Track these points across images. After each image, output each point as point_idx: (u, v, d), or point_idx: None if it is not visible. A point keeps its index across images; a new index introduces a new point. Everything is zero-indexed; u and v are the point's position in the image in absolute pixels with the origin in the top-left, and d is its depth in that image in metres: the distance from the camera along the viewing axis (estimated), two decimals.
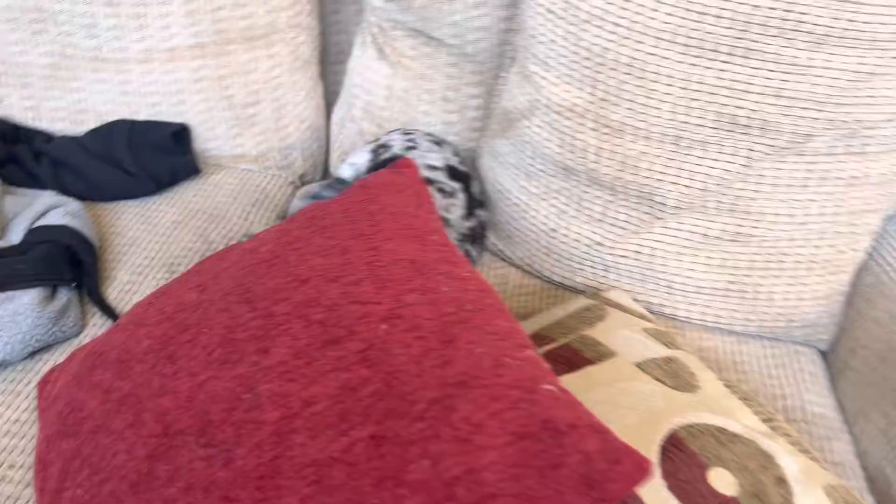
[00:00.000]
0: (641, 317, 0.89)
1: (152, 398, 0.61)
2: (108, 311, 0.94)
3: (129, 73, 1.17)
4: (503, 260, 1.09)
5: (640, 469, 0.50)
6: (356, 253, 0.66)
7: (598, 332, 0.82)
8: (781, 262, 0.92)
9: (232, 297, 0.67)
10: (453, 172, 1.04)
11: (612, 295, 0.94)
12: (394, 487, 0.50)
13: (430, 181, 1.01)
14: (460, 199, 1.02)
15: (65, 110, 1.20)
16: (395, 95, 1.17)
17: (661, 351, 0.79)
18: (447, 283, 0.66)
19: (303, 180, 1.32)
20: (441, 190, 1.01)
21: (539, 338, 0.85)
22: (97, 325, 0.93)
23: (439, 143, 1.09)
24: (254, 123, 1.23)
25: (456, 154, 1.09)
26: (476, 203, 1.05)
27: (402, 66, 1.15)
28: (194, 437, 0.57)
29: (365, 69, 1.20)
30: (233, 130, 1.22)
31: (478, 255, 1.06)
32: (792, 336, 0.96)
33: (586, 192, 0.97)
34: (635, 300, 0.97)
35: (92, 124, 1.20)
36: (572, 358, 0.78)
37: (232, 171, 1.24)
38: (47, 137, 1.19)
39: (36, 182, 1.13)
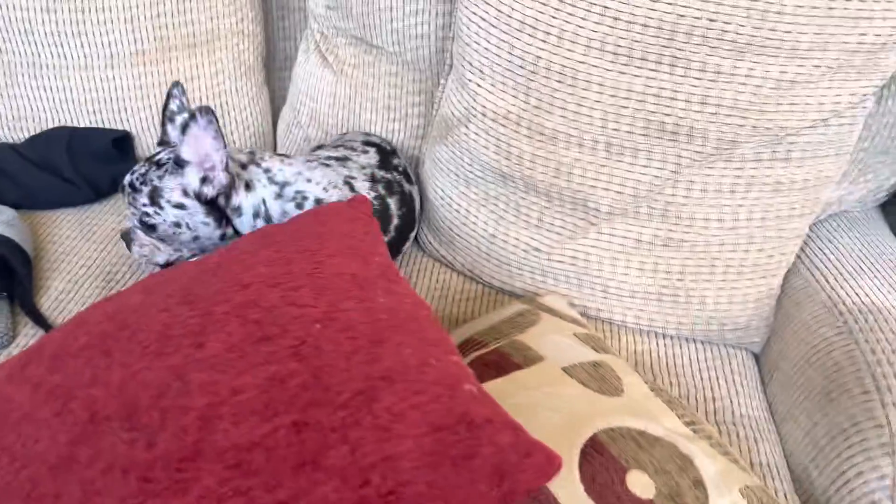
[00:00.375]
0: (574, 321, 0.90)
1: (82, 388, 0.61)
2: (41, 321, 0.93)
3: (68, 79, 1.16)
4: (446, 266, 1.09)
5: (550, 463, 0.52)
6: (299, 264, 0.67)
7: (529, 337, 0.83)
8: (713, 266, 0.94)
9: (174, 298, 0.67)
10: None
11: (548, 300, 0.95)
12: (311, 472, 0.51)
13: None
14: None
15: (2, 116, 1.18)
16: (340, 103, 1.17)
17: (589, 355, 0.80)
18: (384, 295, 0.67)
19: None
20: None
21: (472, 342, 0.85)
22: (28, 336, 0.92)
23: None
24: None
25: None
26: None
27: (345, 73, 1.16)
28: (119, 421, 0.57)
29: (309, 76, 1.20)
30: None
31: None
32: (725, 339, 0.98)
33: (523, 198, 0.98)
34: (572, 304, 0.98)
35: (31, 132, 1.19)
36: (501, 362, 0.78)
37: None
38: None
39: None
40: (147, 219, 0.88)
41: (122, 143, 1.18)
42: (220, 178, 0.86)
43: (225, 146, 0.85)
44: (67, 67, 1.15)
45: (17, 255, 0.97)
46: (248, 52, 1.21)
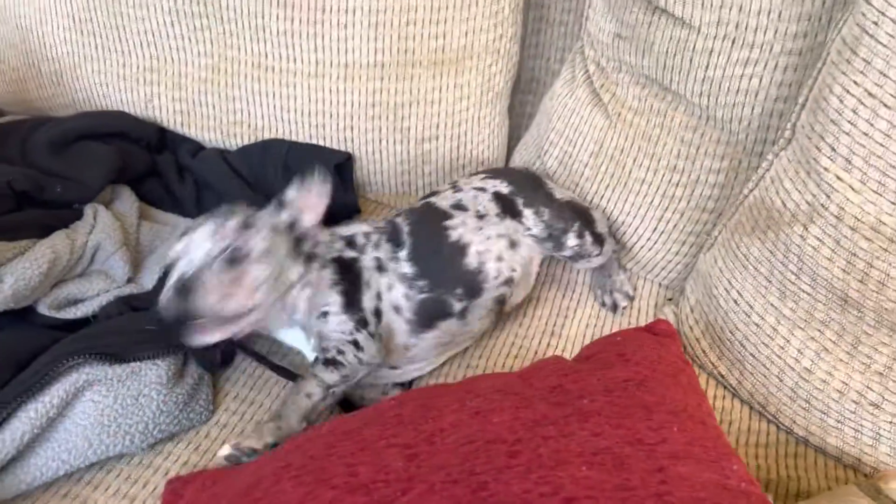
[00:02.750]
0: None
1: None
2: (283, 371, 0.80)
3: (294, 86, 1.00)
4: (723, 385, 0.85)
5: None
6: (636, 471, 0.47)
7: None
8: None
9: (458, 487, 0.48)
10: None
11: (894, 484, 0.70)
12: None
13: None
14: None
15: (217, 120, 1.05)
16: (607, 154, 0.94)
17: None
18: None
19: None
20: None
21: None
22: (229, 411, 0.77)
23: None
24: (426, 161, 1.03)
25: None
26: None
27: (623, 120, 0.93)
28: None
29: (571, 114, 0.98)
30: (401, 167, 1.03)
31: None
32: None
33: (868, 334, 0.72)
34: None
35: (245, 139, 1.05)
36: None
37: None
38: (195, 148, 1.04)
39: (176, 204, 0.98)
40: None
41: (340, 168, 1.01)
42: None
43: None
44: (296, 73, 0.99)
45: None
46: (499, 76, 1.01)
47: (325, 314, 0.74)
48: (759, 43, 0.80)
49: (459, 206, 0.83)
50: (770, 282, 0.78)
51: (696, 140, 0.88)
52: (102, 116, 1.01)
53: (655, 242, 0.94)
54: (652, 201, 0.92)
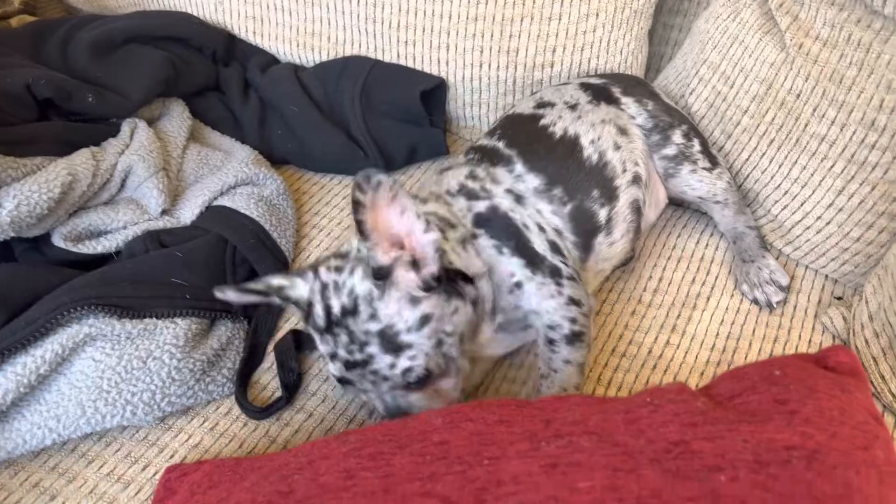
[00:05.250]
0: None
1: None
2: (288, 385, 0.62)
3: None
4: None
5: None
6: None
7: None
8: None
9: None
10: None
11: None
12: None
13: None
14: None
15: (294, 29, 0.88)
16: (777, 98, 0.71)
17: None
18: None
19: None
20: None
21: None
22: (258, 386, 0.63)
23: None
24: (537, 93, 0.83)
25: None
26: None
27: (804, 52, 0.69)
28: None
29: (732, 42, 0.75)
30: (504, 98, 0.84)
31: None
32: None
33: None
34: None
35: (324, 54, 0.88)
36: None
37: None
38: (266, 62, 0.89)
39: (236, 126, 0.84)
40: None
41: (430, 97, 0.83)
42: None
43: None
44: None
45: (268, 261, 0.68)
46: None
47: (516, 285, 0.60)
48: None
49: (543, 105, 0.71)
50: None
51: None
52: (162, 17, 0.87)
53: (829, 223, 0.71)
54: (833, 167, 0.68)
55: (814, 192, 0.71)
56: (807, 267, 0.75)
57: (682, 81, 0.81)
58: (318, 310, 0.53)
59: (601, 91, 0.73)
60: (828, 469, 0.36)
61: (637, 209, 0.70)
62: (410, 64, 0.84)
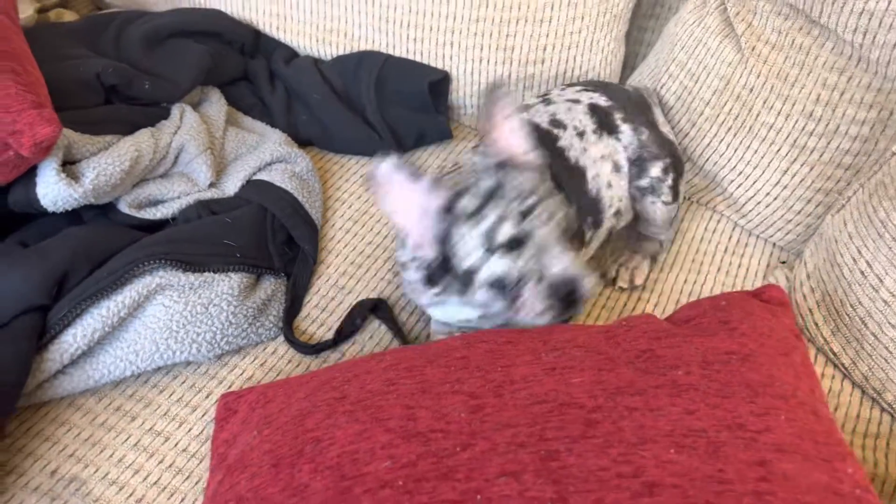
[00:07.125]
0: None
1: None
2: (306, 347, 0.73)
3: None
4: (834, 365, 0.76)
5: None
6: (733, 462, 0.41)
7: None
8: None
9: (525, 452, 0.44)
10: None
11: None
12: None
13: None
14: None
15: (314, 26, 0.99)
16: (733, 93, 0.84)
17: None
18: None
19: None
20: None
21: None
22: (298, 330, 0.75)
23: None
24: (530, 87, 0.95)
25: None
26: None
27: (756, 54, 0.81)
28: None
29: (696, 44, 0.87)
30: None
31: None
32: None
33: None
34: None
35: (341, 49, 0.99)
36: None
37: None
38: (288, 55, 1.00)
39: (266, 112, 0.95)
40: None
41: (436, 88, 0.95)
42: None
43: None
44: None
45: (303, 227, 0.80)
46: None
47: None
48: None
49: (557, 124, 0.76)
50: None
51: (840, 84, 0.77)
52: (198, 14, 0.98)
53: (776, 198, 0.84)
54: (779, 150, 0.81)
55: (763, 172, 0.84)
56: (758, 236, 0.88)
57: (654, 77, 0.93)
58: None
59: (605, 118, 0.78)
60: (757, 366, 0.48)
61: (610, 234, 0.79)
62: (419, 59, 0.95)
